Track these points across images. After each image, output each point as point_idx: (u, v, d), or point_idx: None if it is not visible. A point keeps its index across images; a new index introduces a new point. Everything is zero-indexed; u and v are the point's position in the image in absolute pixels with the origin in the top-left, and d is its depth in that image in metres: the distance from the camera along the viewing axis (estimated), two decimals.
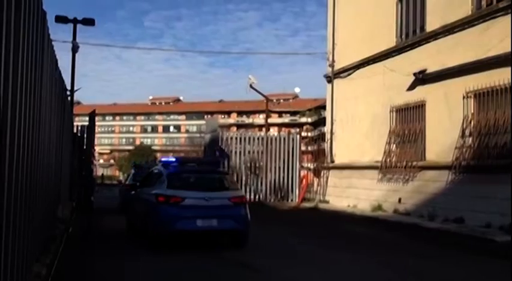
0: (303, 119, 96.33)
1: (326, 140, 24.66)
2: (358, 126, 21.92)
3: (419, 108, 18.15)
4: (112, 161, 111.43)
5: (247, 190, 23.18)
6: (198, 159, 19.81)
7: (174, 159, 11.49)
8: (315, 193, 24.45)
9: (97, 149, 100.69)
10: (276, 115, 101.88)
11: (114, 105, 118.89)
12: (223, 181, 10.85)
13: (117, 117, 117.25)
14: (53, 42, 6.96)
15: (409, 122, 18.57)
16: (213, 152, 21.88)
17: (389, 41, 20.16)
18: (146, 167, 17.69)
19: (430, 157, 17.28)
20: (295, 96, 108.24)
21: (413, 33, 19.17)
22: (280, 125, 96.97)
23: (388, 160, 19.27)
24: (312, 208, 21.41)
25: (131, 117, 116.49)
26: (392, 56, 19.88)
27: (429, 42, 17.90)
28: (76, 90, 21.25)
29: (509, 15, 14.08)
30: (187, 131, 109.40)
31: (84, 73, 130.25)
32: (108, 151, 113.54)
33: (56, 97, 8.12)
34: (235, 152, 23.48)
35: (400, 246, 11.30)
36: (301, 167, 24.21)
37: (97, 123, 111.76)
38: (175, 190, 10.03)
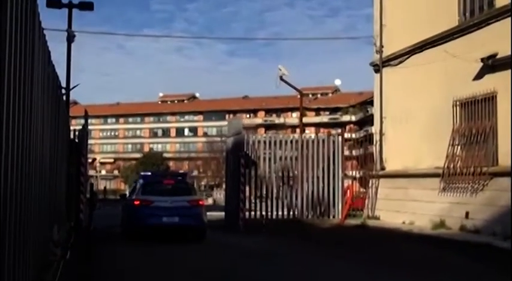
0: (346, 118, 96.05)
1: (374, 142, 24.49)
2: (414, 125, 21.73)
3: (488, 101, 17.89)
4: (116, 171, 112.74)
5: (279, 204, 23.15)
6: (168, 172, 26.74)
7: (149, 173, 19.52)
8: (361, 207, 24.29)
9: (98, 158, 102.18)
10: (313, 113, 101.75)
11: (117, 105, 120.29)
12: (184, 188, 17.82)
13: (121, 120, 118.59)
14: (45, 31, 7.04)
15: (476, 118, 18.31)
16: (237, 158, 21.94)
17: (451, 20, 19.93)
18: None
19: (503, 161, 16.99)
20: (336, 90, 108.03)
21: (479, 10, 18.91)
22: (317, 125, 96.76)
23: (452, 165, 19.03)
24: (358, 225, 21.28)
25: (138, 119, 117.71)
26: (455, 39, 19.66)
27: (499, 20, 17.62)
28: (72, 88, 21.56)
29: None
30: (205, 135, 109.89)
31: (81, 67, 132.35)
32: (111, 160, 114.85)
33: (49, 97, 8.22)
34: (264, 159, 23.48)
35: (472, 274, 11.10)
36: (345, 175, 24.07)
37: (98, 126, 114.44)
38: (147, 195, 16.99)
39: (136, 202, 16.93)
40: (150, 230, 16.46)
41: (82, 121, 21.01)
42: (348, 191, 23.67)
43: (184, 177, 19.45)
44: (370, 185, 24.09)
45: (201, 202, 17.56)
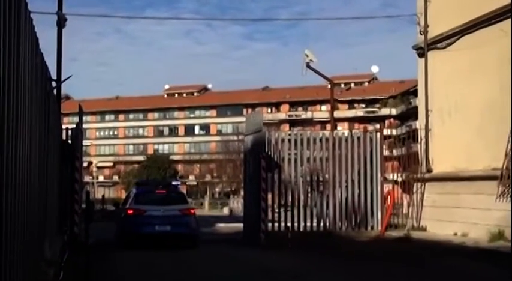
0: (385, 111, 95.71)
1: (419, 139, 24.36)
2: (466, 119, 21.59)
3: None
4: (116, 177, 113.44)
5: (307, 214, 23.11)
6: (159, 181, 33.90)
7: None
8: (405, 216, 24.16)
9: (94, 161, 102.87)
10: (346, 106, 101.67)
11: (116, 100, 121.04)
12: (175, 197, 21.36)
13: (121, 116, 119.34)
14: (32, 15, 7.08)
15: None
16: (257, 160, 21.93)
17: None
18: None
19: None
20: (373, 79, 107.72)
21: None
22: (351, 120, 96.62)
23: None
24: (401, 238, 21.18)
25: (140, 116, 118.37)
26: None
27: None
28: (64, 80, 21.64)
29: None
30: (219, 133, 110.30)
31: (74, 56, 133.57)
32: (110, 164, 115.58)
33: (37, 91, 8.27)
34: (289, 160, 23.45)
35: None
36: (384, 179, 23.98)
37: (94, 125, 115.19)
38: (140, 205, 20.41)
39: (130, 211, 20.39)
40: (143, 239, 19.70)
41: (76, 119, 21.19)
42: (389, 197, 23.56)
43: (176, 187, 23.45)
44: (414, 190, 23.94)
45: (192, 211, 21.17)
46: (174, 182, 24.94)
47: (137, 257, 17.14)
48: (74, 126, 20.61)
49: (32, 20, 7.16)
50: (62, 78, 22.33)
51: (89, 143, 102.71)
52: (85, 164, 75.26)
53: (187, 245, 19.52)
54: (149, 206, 20.30)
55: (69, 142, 19.75)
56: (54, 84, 16.14)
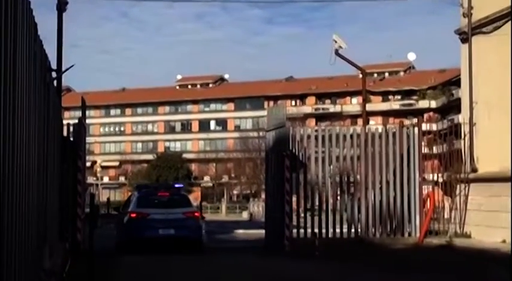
0: (423, 103, 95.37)
1: (462, 135, 24.23)
2: None
3: None
4: (122, 178, 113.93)
5: (336, 219, 23.05)
6: (160, 184, 36.50)
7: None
8: (446, 221, 24.04)
9: (99, 160, 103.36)
10: (379, 98, 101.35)
11: (123, 92, 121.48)
12: (179, 200, 22.79)
13: (128, 111, 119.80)
14: None
15: None
16: (280, 159, 21.91)
17: None
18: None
19: None
20: (409, 67, 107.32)
21: None
22: (386, 114, 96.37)
23: None
24: (442, 245, 21.09)
25: (150, 110, 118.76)
26: None
27: None
28: (66, 70, 21.73)
29: None
30: (237, 129, 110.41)
31: (75, 42, 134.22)
32: (116, 164, 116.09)
33: (35, 82, 8.30)
34: (316, 159, 23.40)
35: None
36: (423, 180, 23.88)
37: (98, 120, 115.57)
38: (142, 208, 21.84)
39: (133, 215, 21.83)
40: (147, 243, 21.17)
41: (78, 113, 21.25)
42: (428, 200, 23.45)
43: (179, 190, 24.95)
44: (457, 192, 23.82)
45: (196, 214, 22.61)
46: (177, 185, 26.43)
47: (147, 267, 17.18)
48: (76, 121, 20.71)
49: (30, 3, 7.19)
50: (63, 68, 22.47)
51: (92, 140, 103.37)
52: (88, 164, 75.67)
53: (191, 249, 21.04)
54: (152, 209, 21.93)
55: (71, 139, 19.83)
56: (54, 74, 16.22)
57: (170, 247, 20.83)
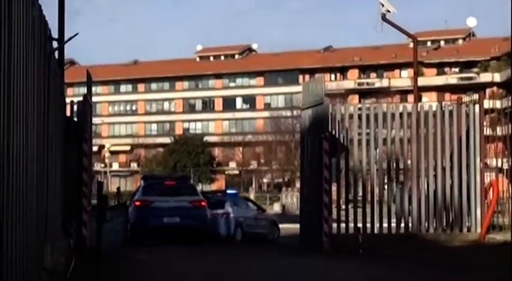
0: (485, 77, 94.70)
1: None
2: None
3: None
4: (134, 165, 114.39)
5: (383, 211, 22.99)
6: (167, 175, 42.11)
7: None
8: None
9: (107, 145, 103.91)
10: (433, 71, 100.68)
11: (135, 66, 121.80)
12: (185, 189, 25.71)
13: (141, 87, 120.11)
14: None
15: None
16: (318, 142, 21.88)
17: None
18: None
19: None
20: (469, 35, 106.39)
21: None
22: (441, 89, 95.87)
23: None
24: (507, 242, 20.93)
25: (166, 86, 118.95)
26: None
27: None
28: (69, 39, 21.77)
29: None
30: (267, 107, 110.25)
31: (80, 8, 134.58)
32: (127, 148, 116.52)
33: (35, 53, 8.33)
34: (359, 142, 23.33)
35: None
36: (485, 166, 23.76)
37: (106, 97, 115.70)
38: (147, 196, 24.59)
39: (137, 203, 24.61)
40: (151, 231, 24.13)
41: (83, 90, 21.32)
42: (491, 189, 23.35)
43: (186, 179, 29.08)
44: None
45: (203, 203, 24.96)
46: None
47: (161, 268, 17.28)
48: (81, 99, 20.81)
49: None
50: (66, 38, 22.54)
51: (100, 121, 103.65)
52: (95, 148, 76.19)
53: (197, 239, 23.72)
54: (157, 197, 24.65)
55: (75, 119, 19.94)
56: (55, 44, 16.28)
57: (175, 236, 23.85)
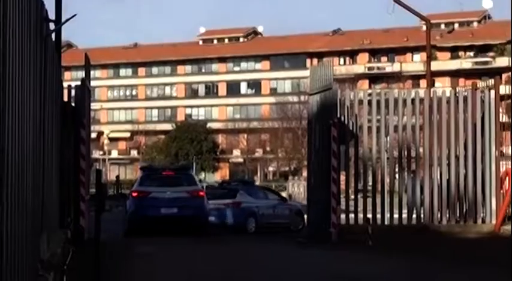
0: (501, 61, 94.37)
1: None
2: None
3: None
4: (134, 152, 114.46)
5: (394, 202, 22.99)
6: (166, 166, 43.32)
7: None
8: None
9: (106, 131, 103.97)
10: (447, 55, 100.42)
11: (135, 48, 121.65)
12: (184, 179, 26.40)
13: (142, 71, 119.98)
14: None
15: None
16: (326, 129, 21.87)
17: None
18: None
19: None
20: (484, 17, 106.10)
21: None
22: (455, 74, 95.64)
23: None
24: None
25: (168, 70, 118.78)
26: None
27: None
28: (66, 21, 21.76)
29: None
30: (273, 92, 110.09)
31: None
32: (127, 135, 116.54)
33: (30, 35, 8.31)
34: (369, 129, 23.35)
35: None
36: (501, 155, 23.72)
37: (105, 82, 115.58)
38: (144, 187, 25.58)
39: (134, 194, 25.70)
40: (148, 222, 24.51)
41: (81, 74, 21.34)
42: (507, 179, 23.33)
43: (187, 169, 30.09)
44: None
45: (201, 193, 26.15)
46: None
47: (163, 260, 17.30)
48: (79, 83, 20.81)
49: None
50: (63, 19, 22.51)
51: (98, 107, 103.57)
52: (94, 135, 76.18)
53: (196, 230, 24.45)
54: (154, 187, 25.71)
55: (73, 104, 19.94)
56: (52, 26, 16.25)
57: (173, 227, 24.19)
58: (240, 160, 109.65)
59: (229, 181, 43.37)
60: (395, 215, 22.93)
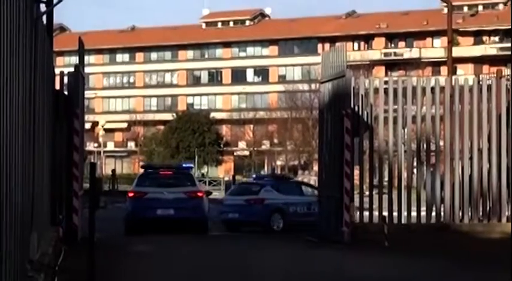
0: None
1: None
2: None
3: None
4: (132, 144, 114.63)
5: (412, 199, 22.96)
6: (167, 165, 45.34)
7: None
8: None
9: (101, 121, 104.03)
10: (470, 40, 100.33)
11: (133, 32, 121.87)
12: (182, 179, 27.40)
13: (140, 56, 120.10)
14: None
15: None
16: (338, 120, 21.86)
17: None
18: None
19: None
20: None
21: None
22: (478, 61, 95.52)
23: None
24: None
25: (168, 55, 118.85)
26: None
27: None
28: (58, 2, 21.77)
29: None
30: (282, 80, 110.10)
31: None
32: (124, 126, 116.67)
33: (19, 17, 8.28)
34: (385, 120, 23.32)
35: None
36: None
37: (100, 68, 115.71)
38: (141, 187, 26.78)
39: (130, 194, 26.96)
40: (145, 224, 25.68)
41: (74, 59, 21.29)
42: None
43: (187, 169, 30.20)
44: None
45: (200, 194, 26.95)
46: (185, 165, 32.57)
47: (161, 260, 17.30)
48: (72, 70, 20.79)
49: None
50: (55, 0, 22.50)
51: (93, 95, 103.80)
52: (88, 126, 76.30)
53: (194, 232, 25.31)
54: (151, 188, 26.78)
55: (66, 92, 19.93)
56: (43, 8, 16.24)
57: (170, 229, 25.11)
58: (246, 152, 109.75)
59: (263, 176, 43.11)
60: (413, 213, 22.90)
